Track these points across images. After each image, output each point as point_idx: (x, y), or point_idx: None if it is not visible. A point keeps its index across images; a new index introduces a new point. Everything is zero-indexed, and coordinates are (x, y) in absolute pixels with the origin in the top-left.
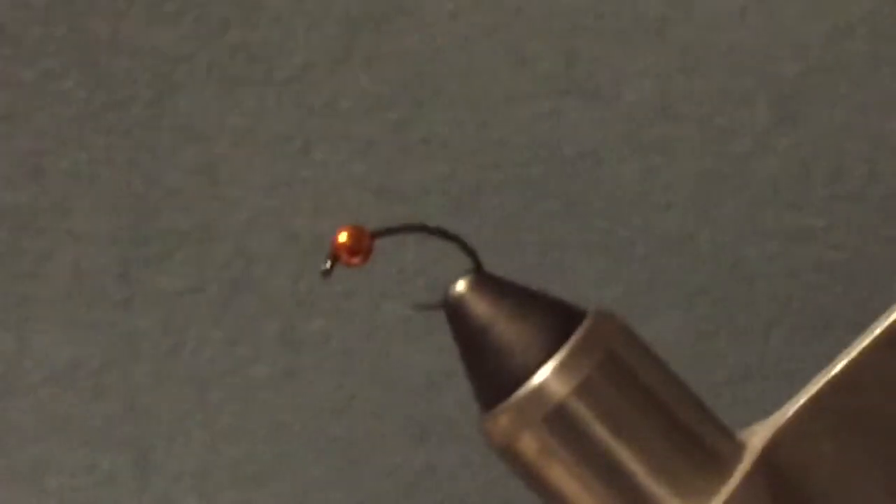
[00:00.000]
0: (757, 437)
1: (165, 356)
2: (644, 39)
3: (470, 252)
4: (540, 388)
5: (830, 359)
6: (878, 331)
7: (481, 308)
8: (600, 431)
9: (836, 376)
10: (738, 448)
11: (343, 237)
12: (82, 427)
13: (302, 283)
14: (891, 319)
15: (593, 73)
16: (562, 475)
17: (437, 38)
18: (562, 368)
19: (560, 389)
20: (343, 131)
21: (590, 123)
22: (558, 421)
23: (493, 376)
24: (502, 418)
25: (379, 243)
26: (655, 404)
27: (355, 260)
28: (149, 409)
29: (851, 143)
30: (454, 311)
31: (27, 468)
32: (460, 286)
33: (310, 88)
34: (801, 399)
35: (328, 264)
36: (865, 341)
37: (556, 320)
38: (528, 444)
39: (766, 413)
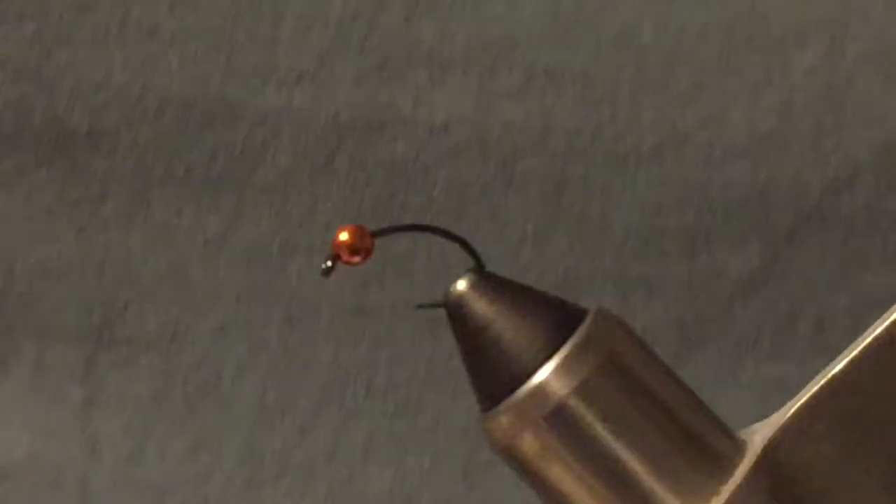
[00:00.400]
0: (757, 436)
1: (125, 461)
2: (638, 168)
3: (471, 252)
4: (540, 388)
5: None
6: (878, 331)
7: (482, 307)
8: (601, 431)
9: (836, 376)
10: (739, 448)
11: (344, 236)
12: None
13: (269, 396)
14: (891, 319)
15: (583, 198)
16: (562, 475)
17: (425, 149)
18: (562, 368)
19: (560, 389)
20: (321, 242)
21: (574, 251)
22: (559, 421)
23: (493, 376)
24: (503, 418)
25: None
26: (656, 404)
27: (356, 259)
28: None
29: (837, 295)
30: (455, 310)
31: None
32: (461, 285)
33: (290, 195)
34: (801, 399)
35: (328, 263)
36: (865, 341)
37: (557, 320)
38: (529, 444)
39: None
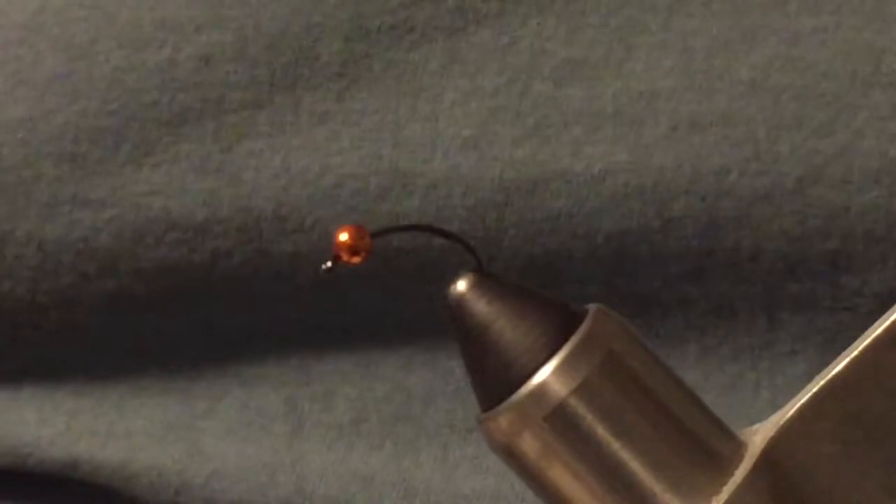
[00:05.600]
0: (757, 436)
1: (332, 464)
2: (783, 201)
3: (471, 251)
4: (540, 388)
5: None
6: (878, 331)
7: (482, 307)
8: (601, 431)
9: (836, 376)
10: (739, 448)
11: (344, 236)
12: None
13: (457, 416)
14: (891, 320)
15: (735, 232)
16: (562, 475)
17: (587, 199)
18: (562, 368)
19: (560, 389)
20: None
21: (729, 280)
22: (559, 421)
23: (493, 376)
24: (503, 418)
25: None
26: (656, 404)
27: (356, 259)
28: None
29: None
30: (455, 310)
31: None
32: (461, 285)
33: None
34: (802, 399)
35: (328, 263)
36: (865, 341)
37: (557, 320)
38: (529, 444)
39: None
